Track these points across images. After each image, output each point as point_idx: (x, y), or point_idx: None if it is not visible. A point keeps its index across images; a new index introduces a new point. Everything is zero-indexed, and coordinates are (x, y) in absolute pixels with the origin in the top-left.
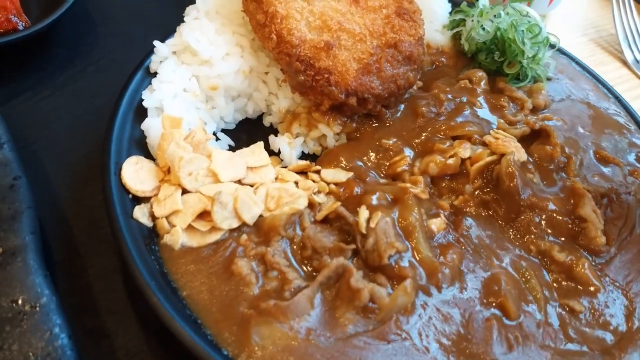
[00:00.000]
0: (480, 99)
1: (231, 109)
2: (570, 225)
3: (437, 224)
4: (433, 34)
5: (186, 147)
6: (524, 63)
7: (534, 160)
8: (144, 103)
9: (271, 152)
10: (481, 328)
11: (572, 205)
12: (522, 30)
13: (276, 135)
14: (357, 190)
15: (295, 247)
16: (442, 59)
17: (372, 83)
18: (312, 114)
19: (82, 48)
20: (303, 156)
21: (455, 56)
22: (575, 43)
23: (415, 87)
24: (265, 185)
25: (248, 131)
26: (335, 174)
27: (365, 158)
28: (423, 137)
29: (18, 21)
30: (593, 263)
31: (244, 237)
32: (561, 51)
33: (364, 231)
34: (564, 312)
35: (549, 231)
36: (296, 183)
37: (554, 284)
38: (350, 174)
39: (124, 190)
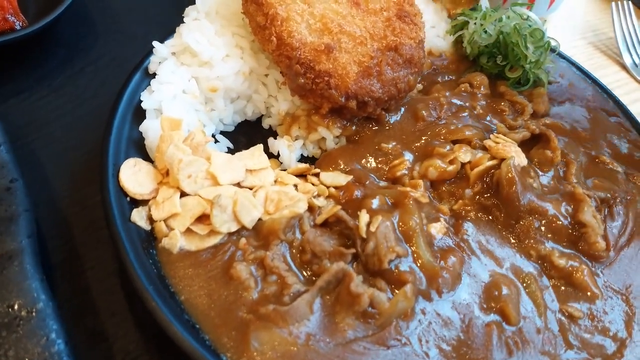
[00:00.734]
0: (481, 103)
1: (230, 111)
2: (570, 231)
3: (437, 228)
4: (435, 39)
5: (185, 150)
6: (526, 68)
7: (534, 164)
8: (142, 104)
9: (270, 155)
10: (481, 333)
11: (572, 211)
12: (526, 34)
13: (275, 138)
14: (357, 193)
15: (294, 251)
16: (444, 62)
17: (372, 86)
18: (312, 116)
19: (81, 47)
20: (302, 159)
21: (457, 60)
22: (574, 46)
23: (415, 90)
24: (264, 189)
25: (247, 133)
26: (335, 177)
27: (364, 161)
28: (423, 141)
29: (15, 21)
30: (593, 268)
31: (243, 240)
32: (560, 55)
33: (364, 235)
34: (563, 318)
35: (549, 236)
36: (296, 186)
37: (554, 290)
38: (350, 177)
39: (122, 192)
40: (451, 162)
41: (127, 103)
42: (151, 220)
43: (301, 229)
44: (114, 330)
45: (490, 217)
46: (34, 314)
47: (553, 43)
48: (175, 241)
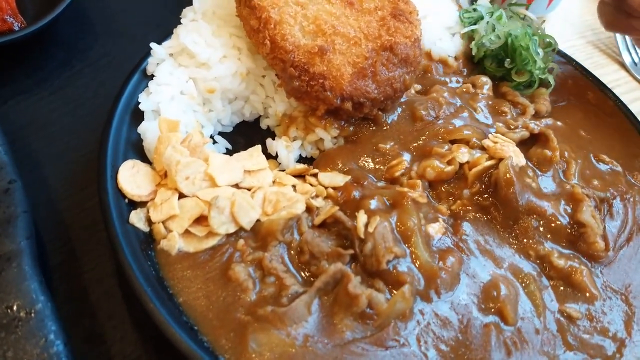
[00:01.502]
0: (481, 103)
1: (228, 112)
2: (569, 231)
3: (435, 228)
4: (448, 42)
5: (183, 151)
6: (535, 73)
7: (533, 164)
8: (140, 106)
9: (268, 155)
10: (479, 334)
11: (571, 210)
12: (536, 39)
13: (274, 139)
14: (355, 194)
15: (292, 252)
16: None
17: (367, 87)
18: (309, 118)
19: (80, 48)
20: (300, 159)
21: (466, 63)
22: (573, 45)
23: (413, 90)
24: (262, 189)
25: (245, 134)
26: (333, 178)
27: (362, 161)
28: (421, 141)
29: (14, 21)
30: (592, 268)
31: (241, 242)
32: (560, 53)
33: (362, 236)
34: (562, 318)
35: (548, 236)
36: (294, 187)
37: (553, 290)
38: (348, 178)
39: (121, 194)
40: (449, 163)
41: (125, 105)
42: (149, 222)
43: (299, 230)
44: (112, 332)
45: (488, 217)
46: (32, 315)
47: (552, 42)
48: (174, 243)
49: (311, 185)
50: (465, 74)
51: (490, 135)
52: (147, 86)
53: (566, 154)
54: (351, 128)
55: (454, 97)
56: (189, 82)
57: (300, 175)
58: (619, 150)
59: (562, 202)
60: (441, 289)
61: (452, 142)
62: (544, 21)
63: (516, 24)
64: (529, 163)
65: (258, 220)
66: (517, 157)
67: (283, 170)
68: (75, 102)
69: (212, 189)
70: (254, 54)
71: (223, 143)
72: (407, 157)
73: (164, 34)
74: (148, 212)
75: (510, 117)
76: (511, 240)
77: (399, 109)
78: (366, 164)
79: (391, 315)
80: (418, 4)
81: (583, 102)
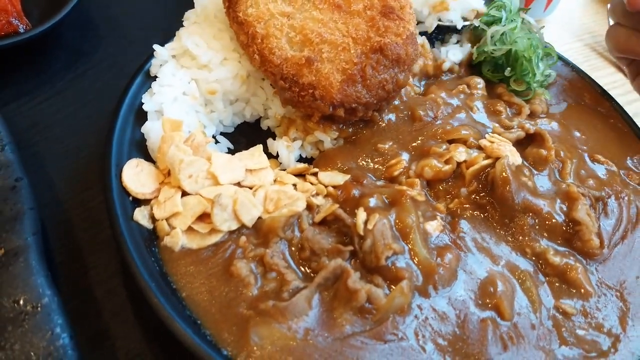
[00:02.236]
0: (477, 103)
1: (230, 113)
2: (564, 228)
3: (433, 226)
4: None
5: (186, 150)
6: (533, 85)
7: (530, 164)
8: (144, 106)
9: (270, 155)
10: (476, 329)
11: (566, 209)
12: (540, 52)
13: (274, 139)
14: (355, 192)
15: (293, 248)
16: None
17: (358, 93)
18: (307, 123)
19: (84, 51)
20: (301, 160)
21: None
22: (570, 48)
23: (412, 92)
24: (264, 188)
25: (246, 134)
26: (333, 177)
27: (361, 161)
28: (419, 141)
29: (19, 24)
30: (587, 265)
31: (243, 238)
32: (557, 56)
33: (361, 233)
34: (558, 314)
35: (544, 234)
36: (295, 186)
37: (549, 287)
38: (348, 177)
39: (125, 192)
40: (447, 162)
41: (129, 105)
42: (153, 219)
43: (300, 227)
44: (116, 329)
45: (485, 215)
46: (39, 309)
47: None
48: (177, 239)
49: (311, 184)
50: (461, 74)
51: (487, 135)
52: (150, 87)
53: (562, 153)
54: (350, 129)
55: (451, 97)
56: (191, 83)
57: (300, 175)
58: (613, 150)
59: (558, 200)
60: (439, 285)
61: (450, 141)
62: (543, 27)
63: (523, 34)
64: (525, 162)
65: (260, 218)
66: (513, 157)
67: (284, 170)
68: (79, 103)
69: (215, 187)
70: None
71: (225, 143)
72: (405, 156)
73: (166, 37)
74: (152, 209)
75: (505, 117)
76: (508, 237)
77: (398, 110)
78: (365, 164)
79: (390, 310)
80: None
81: (579, 103)
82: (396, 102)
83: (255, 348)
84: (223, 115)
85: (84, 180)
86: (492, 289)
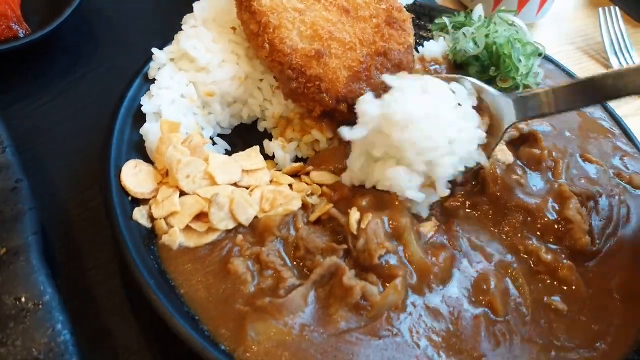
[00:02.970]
0: None
1: (227, 115)
2: (556, 227)
3: (427, 227)
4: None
5: (184, 151)
6: (517, 80)
7: (523, 163)
8: (142, 108)
9: (266, 156)
10: (470, 325)
11: (558, 207)
12: (519, 47)
13: (270, 140)
14: (349, 193)
15: (289, 247)
16: (436, 67)
17: (362, 90)
18: (305, 120)
19: (83, 54)
20: (297, 160)
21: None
22: (562, 51)
23: None
24: (260, 188)
25: (243, 136)
26: (323, 176)
27: None
28: None
29: (19, 29)
30: (578, 263)
31: (240, 237)
32: (547, 58)
33: (354, 232)
34: (549, 311)
35: (536, 232)
36: (290, 186)
37: (541, 284)
38: (338, 178)
39: (124, 192)
40: None
41: (128, 107)
42: (152, 218)
43: (295, 226)
44: (116, 328)
45: (479, 214)
46: (40, 306)
47: (540, 48)
48: (175, 238)
49: (307, 184)
50: (443, 69)
51: None
52: (148, 89)
53: (554, 153)
54: None
55: None
56: (189, 85)
57: (296, 175)
58: (603, 151)
59: (550, 199)
60: (433, 284)
61: None
62: (532, 25)
63: (500, 32)
64: (519, 162)
65: (256, 217)
66: (503, 155)
67: (280, 170)
68: (78, 106)
69: (212, 187)
70: (252, 59)
71: (222, 144)
72: None
73: (164, 41)
74: (150, 208)
75: None
76: (501, 236)
77: None
78: None
79: (384, 307)
80: None
81: None
82: None
83: (252, 343)
84: (220, 117)
85: (84, 180)
86: (485, 286)
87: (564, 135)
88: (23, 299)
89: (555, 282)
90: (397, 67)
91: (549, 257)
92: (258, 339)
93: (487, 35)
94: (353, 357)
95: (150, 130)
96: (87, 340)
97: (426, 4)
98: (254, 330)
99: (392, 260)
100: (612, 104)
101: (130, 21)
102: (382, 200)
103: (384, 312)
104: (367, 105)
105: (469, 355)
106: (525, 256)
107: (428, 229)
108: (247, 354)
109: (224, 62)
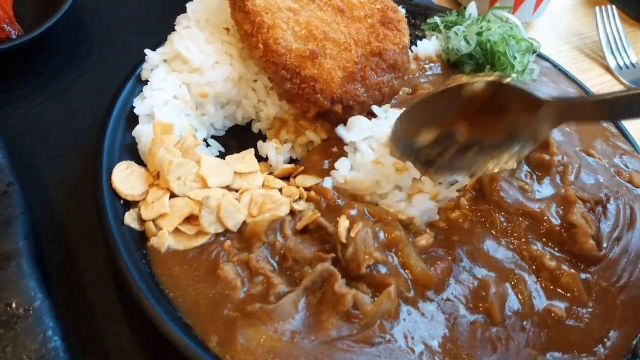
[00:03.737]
0: None
1: (221, 116)
2: (561, 231)
3: (422, 239)
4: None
5: (175, 152)
6: (513, 77)
7: (531, 168)
8: (135, 110)
9: (260, 158)
10: (466, 331)
11: (562, 212)
12: (513, 44)
13: (265, 141)
14: (339, 202)
15: (275, 253)
16: (431, 65)
17: (356, 90)
18: (300, 121)
19: (76, 56)
20: (292, 162)
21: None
22: (559, 50)
23: (402, 92)
24: (250, 191)
25: (237, 137)
26: (305, 179)
27: None
28: None
29: (11, 30)
30: (582, 269)
31: (227, 242)
32: (543, 57)
33: (344, 240)
34: (549, 318)
35: (541, 238)
36: (280, 190)
37: (542, 290)
38: (320, 180)
39: (116, 195)
40: None
41: (120, 109)
42: (142, 220)
43: (282, 233)
44: (108, 330)
45: (483, 220)
46: (31, 312)
47: (534, 44)
48: (164, 240)
49: (296, 187)
50: (436, 67)
51: None
52: (141, 91)
53: (565, 158)
54: None
55: None
56: (182, 87)
57: (289, 177)
58: (603, 150)
59: (554, 204)
60: (429, 290)
61: None
62: (528, 24)
63: (494, 29)
64: (527, 167)
65: (244, 222)
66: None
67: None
68: (72, 108)
69: (203, 190)
70: (246, 59)
71: (216, 146)
72: None
73: (157, 42)
74: (140, 210)
75: None
76: (504, 241)
77: None
78: None
79: (377, 315)
80: None
81: None
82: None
83: (241, 349)
84: (214, 118)
85: (76, 183)
86: (484, 293)
87: (565, 133)
88: (14, 305)
89: (557, 289)
90: (392, 68)
91: (553, 263)
92: (248, 345)
93: (480, 33)
94: None
95: (143, 132)
96: (80, 343)
97: (422, 4)
98: (244, 336)
99: (384, 269)
100: None
101: (125, 22)
102: (373, 212)
103: (376, 320)
104: None
105: None
106: (529, 262)
107: (425, 242)
108: None
109: (217, 63)
